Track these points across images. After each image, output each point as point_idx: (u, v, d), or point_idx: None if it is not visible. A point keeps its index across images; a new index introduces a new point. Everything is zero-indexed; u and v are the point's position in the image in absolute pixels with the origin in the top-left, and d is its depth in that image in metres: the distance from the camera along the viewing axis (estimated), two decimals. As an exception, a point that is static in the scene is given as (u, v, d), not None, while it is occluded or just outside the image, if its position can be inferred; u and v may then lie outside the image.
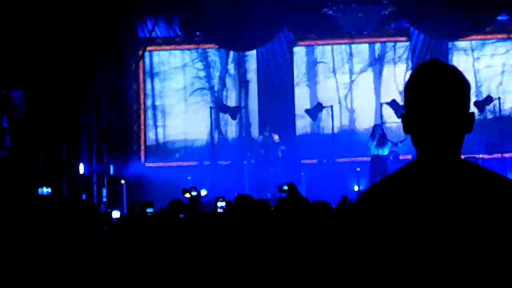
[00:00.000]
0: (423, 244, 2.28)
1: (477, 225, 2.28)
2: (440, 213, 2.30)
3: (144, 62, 19.95)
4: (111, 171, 17.96)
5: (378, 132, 17.50)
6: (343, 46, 19.66)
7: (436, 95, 2.34)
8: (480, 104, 17.86)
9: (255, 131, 19.51)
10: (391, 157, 17.45)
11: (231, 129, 19.65)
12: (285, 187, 13.84)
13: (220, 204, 10.54)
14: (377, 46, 19.65)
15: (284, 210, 6.18)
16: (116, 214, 11.85)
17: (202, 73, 19.89)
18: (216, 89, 19.82)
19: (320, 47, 19.81)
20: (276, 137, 18.53)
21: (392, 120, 18.26)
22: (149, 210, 9.75)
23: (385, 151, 17.40)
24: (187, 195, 14.28)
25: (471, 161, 2.41)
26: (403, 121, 2.43)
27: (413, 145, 2.41)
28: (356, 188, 17.25)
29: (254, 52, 19.63)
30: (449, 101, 2.34)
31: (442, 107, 2.33)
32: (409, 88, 2.41)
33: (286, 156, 18.40)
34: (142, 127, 19.95)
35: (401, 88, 18.53)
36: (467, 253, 2.27)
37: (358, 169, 17.54)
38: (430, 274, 2.27)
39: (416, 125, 2.38)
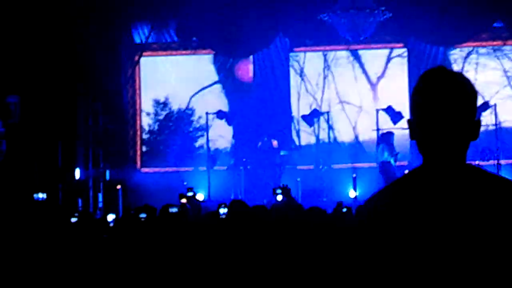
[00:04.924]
0: (431, 249, 2.27)
1: (486, 229, 2.28)
2: (448, 218, 2.29)
3: (140, 68, 19.93)
4: (107, 176, 17.94)
5: (391, 140, 17.12)
6: (340, 52, 19.64)
7: (443, 102, 2.35)
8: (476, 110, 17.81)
9: (251, 136, 19.48)
10: (395, 164, 17.19)
11: (229, 134, 19.59)
12: (279, 191, 13.87)
13: (222, 210, 10.54)
14: (374, 52, 19.65)
15: (279, 216, 6.17)
16: (111, 217, 11.81)
17: (200, 78, 19.82)
18: (213, 94, 19.79)
19: (316, 53, 19.80)
20: (275, 142, 18.48)
21: (388, 126, 18.16)
22: (143, 215, 9.69)
23: (393, 158, 17.04)
24: (183, 200, 14.29)
25: (477, 166, 2.41)
26: (409, 127, 2.44)
27: (418, 150, 2.41)
28: (351, 194, 17.18)
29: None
30: (456, 108, 2.35)
31: (449, 114, 2.35)
32: (417, 94, 2.42)
33: (283, 162, 18.35)
34: (138, 132, 19.93)
35: (397, 94, 18.53)
36: (477, 258, 2.26)
37: (354, 175, 17.49)
38: (439, 280, 2.26)
39: (423, 131, 2.38)
